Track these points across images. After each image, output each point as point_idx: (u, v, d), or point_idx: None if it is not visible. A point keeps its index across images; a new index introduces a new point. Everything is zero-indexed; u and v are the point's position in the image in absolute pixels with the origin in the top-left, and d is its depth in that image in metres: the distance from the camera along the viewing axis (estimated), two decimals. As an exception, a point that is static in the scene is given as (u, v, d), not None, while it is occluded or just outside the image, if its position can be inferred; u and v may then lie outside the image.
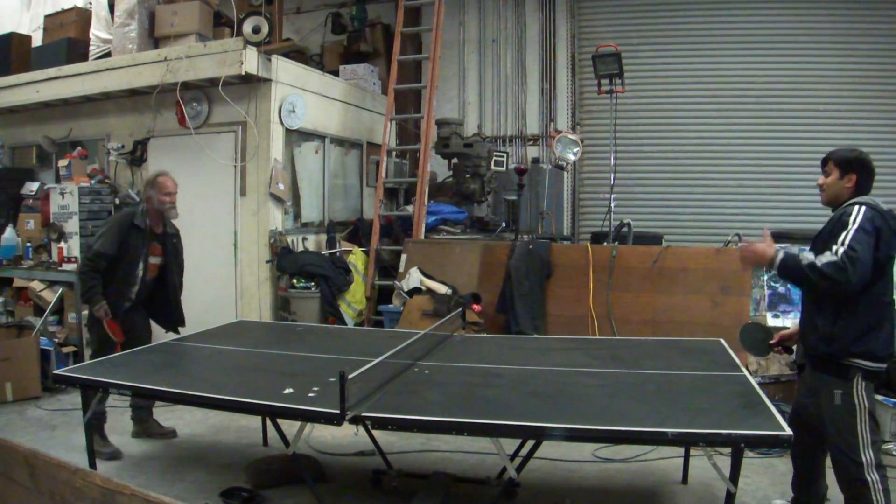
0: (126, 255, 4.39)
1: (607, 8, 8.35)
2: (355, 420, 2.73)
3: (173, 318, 4.76)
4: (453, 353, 3.94)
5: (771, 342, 3.32)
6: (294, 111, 6.41)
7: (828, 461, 3.09)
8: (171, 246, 4.63)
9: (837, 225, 2.86)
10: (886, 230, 2.82)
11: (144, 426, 4.67)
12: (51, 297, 6.32)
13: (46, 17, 7.91)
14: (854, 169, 2.99)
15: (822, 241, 2.95)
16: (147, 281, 4.53)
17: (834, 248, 2.76)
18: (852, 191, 2.99)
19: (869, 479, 2.76)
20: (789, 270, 2.88)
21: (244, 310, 6.27)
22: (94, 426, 4.27)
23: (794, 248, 2.97)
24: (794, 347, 3.32)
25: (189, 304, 6.43)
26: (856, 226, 2.77)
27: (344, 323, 6.13)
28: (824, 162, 3.10)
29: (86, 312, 4.67)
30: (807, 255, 2.84)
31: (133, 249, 4.41)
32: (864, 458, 2.78)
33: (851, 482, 2.83)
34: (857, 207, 2.86)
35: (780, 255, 2.90)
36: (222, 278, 6.38)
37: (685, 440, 2.90)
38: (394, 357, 3.35)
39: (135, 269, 4.44)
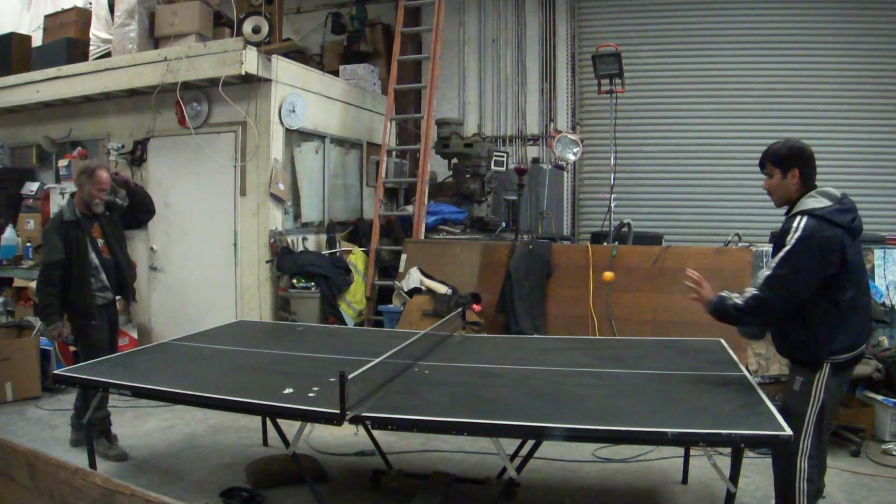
0: (75, 252, 4.34)
1: (607, 8, 8.35)
2: (355, 420, 2.73)
3: (128, 285, 4.69)
4: (453, 353, 3.94)
5: None
6: (294, 111, 6.41)
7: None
8: (105, 220, 4.54)
9: (782, 238, 2.84)
10: (830, 238, 2.74)
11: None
12: (51, 297, 6.32)
13: (46, 17, 7.91)
14: (794, 163, 2.90)
15: (779, 246, 2.92)
16: (108, 262, 4.49)
17: (759, 273, 2.84)
18: (799, 185, 2.91)
19: (799, 465, 2.84)
20: (719, 313, 2.95)
21: (244, 310, 6.27)
22: (100, 429, 4.25)
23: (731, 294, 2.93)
24: None
25: (189, 303, 6.48)
26: (792, 246, 2.74)
27: (344, 323, 6.13)
28: (762, 164, 3.01)
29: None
30: (734, 296, 2.89)
31: (79, 244, 4.36)
32: (801, 446, 2.83)
33: (784, 465, 2.91)
34: (798, 220, 2.79)
35: (714, 299, 2.96)
36: (222, 278, 6.38)
37: (685, 440, 2.91)
38: (394, 357, 3.35)
39: (89, 259, 4.40)
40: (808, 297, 2.78)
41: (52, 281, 4.28)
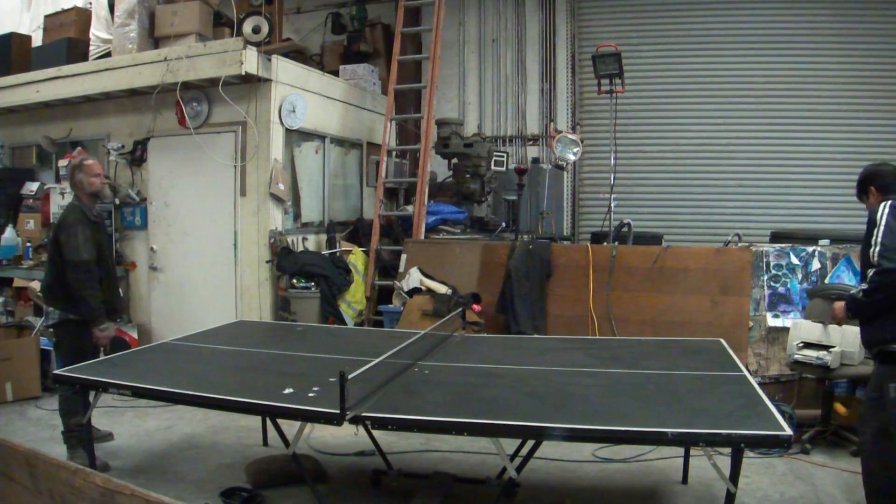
0: (100, 252, 4.24)
1: (607, 8, 8.35)
2: (355, 420, 2.73)
3: (116, 303, 4.50)
4: (453, 353, 3.94)
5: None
6: (294, 111, 6.40)
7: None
8: (103, 224, 4.47)
9: (870, 225, 3.13)
10: None
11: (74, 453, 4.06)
12: (51, 297, 6.31)
13: (46, 17, 7.91)
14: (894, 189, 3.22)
15: (865, 244, 3.17)
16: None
17: (870, 252, 3.05)
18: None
19: None
20: (852, 308, 3.19)
21: (244, 310, 6.26)
22: (79, 437, 3.96)
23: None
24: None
25: (189, 303, 6.48)
26: (883, 221, 3.03)
27: (344, 323, 6.13)
28: (862, 188, 3.32)
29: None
30: (859, 287, 3.16)
31: (101, 244, 4.26)
32: None
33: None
34: (882, 205, 3.11)
35: (845, 299, 3.28)
36: (222, 278, 6.38)
37: (685, 440, 2.91)
38: (394, 357, 3.35)
39: (110, 262, 4.31)
40: None
41: (96, 277, 4.09)
